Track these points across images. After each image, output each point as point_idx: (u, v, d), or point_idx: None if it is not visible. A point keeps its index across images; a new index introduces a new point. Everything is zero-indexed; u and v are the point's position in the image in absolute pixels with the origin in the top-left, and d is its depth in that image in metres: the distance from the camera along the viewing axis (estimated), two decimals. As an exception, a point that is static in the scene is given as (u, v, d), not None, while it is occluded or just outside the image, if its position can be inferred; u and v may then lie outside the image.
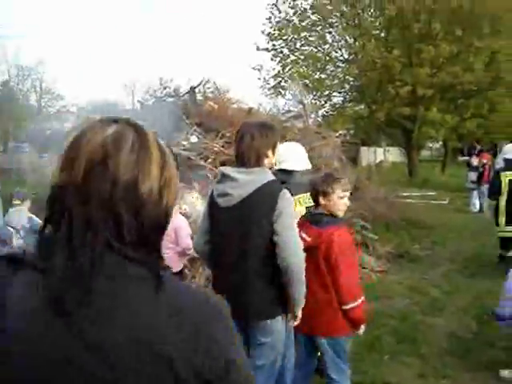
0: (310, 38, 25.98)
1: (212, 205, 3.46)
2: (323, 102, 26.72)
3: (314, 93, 25.26)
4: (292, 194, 3.55)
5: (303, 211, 4.45)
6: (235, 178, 3.30)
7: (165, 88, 13.66)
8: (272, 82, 26.62)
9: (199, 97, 12.95)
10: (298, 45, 26.13)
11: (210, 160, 10.22)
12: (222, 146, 10.53)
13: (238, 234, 3.27)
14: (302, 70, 24.18)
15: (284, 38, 25.93)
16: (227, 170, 3.44)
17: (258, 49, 25.84)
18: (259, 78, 26.39)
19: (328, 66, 26.51)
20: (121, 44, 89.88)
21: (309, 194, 4.13)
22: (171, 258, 5.63)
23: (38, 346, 1.04)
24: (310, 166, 5.09)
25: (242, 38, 77.26)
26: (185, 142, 10.56)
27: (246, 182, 3.27)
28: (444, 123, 21.54)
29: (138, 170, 1.12)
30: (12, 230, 4.87)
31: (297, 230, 3.35)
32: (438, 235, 11.96)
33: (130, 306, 1.07)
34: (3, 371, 1.05)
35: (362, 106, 24.67)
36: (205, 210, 3.62)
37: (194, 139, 10.64)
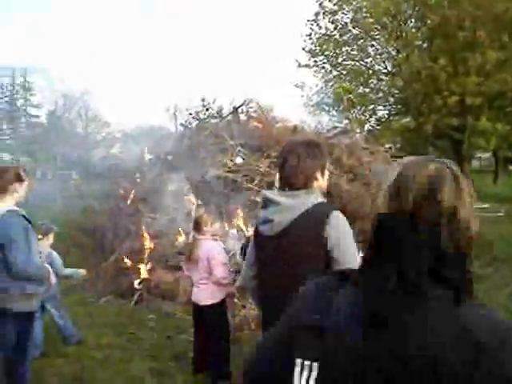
0: (352, 52, 25.62)
1: (256, 233, 2.99)
2: (368, 117, 26.30)
3: (359, 107, 24.87)
4: None
5: None
6: (278, 201, 2.81)
7: (207, 109, 13.45)
8: (315, 99, 26.32)
9: (242, 117, 12.75)
10: (339, 59, 25.77)
11: (255, 182, 9.95)
12: (268, 167, 10.25)
13: (282, 266, 2.78)
14: (345, 84, 23.75)
15: (325, 53, 25.63)
16: (270, 193, 2.95)
17: (299, 65, 25.62)
18: (302, 96, 26.12)
19: (371, 80, 26.09)
20: (162, 66, 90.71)
21: None
22: (206, 288, 5.31)
23: (351, 347, 1.25)
24: None
25: (283, 56, 77.32)
26: (230, 164, 10.33)
27: (289, 206, 2.78)
28: (494, 132, 20.80)
29: (457, 201, 1.30)
30: (50, 267, 4.62)
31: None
32: (498, 250, 11.28)
33: (426, 322, 1.20)
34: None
35: (408, 119, 24.08)
36: (251, 239, 3.16)
37: (238, 160, 10.40)
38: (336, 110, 24.66)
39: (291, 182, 2.85)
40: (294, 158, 2.84)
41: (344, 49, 25.66)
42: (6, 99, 57.92)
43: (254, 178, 9.98)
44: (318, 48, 25.53)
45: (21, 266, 4.07)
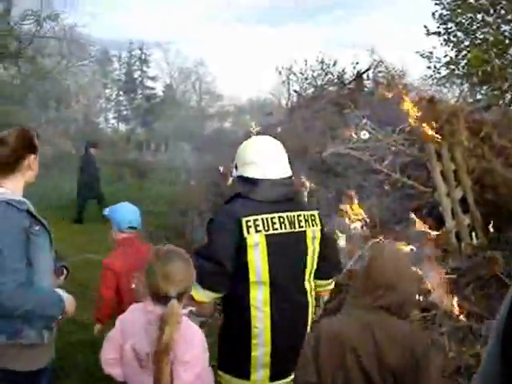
0: (488, 19, 22.52)
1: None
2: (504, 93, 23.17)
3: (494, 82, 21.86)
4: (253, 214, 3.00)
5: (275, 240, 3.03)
6: None
7: (326, 74, 11.49)
8: (443, 71, 23.45)
9: (368, 84, 10.74)
10: (474, 27, 22.76)
11: (386, 162, 7.97)
12: (402, 144, 8.24)
13: None
14: (480, 54, 20.78)
15: (458, 19, 22.71)
16: None
17: (428, 33, 22.85)
18: (429, 67, 23.33)
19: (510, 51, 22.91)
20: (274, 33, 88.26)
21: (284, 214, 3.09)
22: None
23: None
24: (287, 174, 3.25)
25: (409, 21, 72.44)
26: (354, 139, 8.40)
27: None
28: None
29: None
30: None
31: None
32: None
33: None
34: None
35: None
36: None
37: (364, 135, 8.44)
38: (470, 84, 21.79)
39: None
40: None
41: (479, 15, 22.58)
42: (124, 71, 58.68)
43: (385, 157, 8.01)
44: (449, 13, 22.64)
45: (5, 296, 2.44)
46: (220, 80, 75.27)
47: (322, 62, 11.77)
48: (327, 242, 3.37)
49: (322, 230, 3.32)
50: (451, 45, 22.81)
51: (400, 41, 66.41)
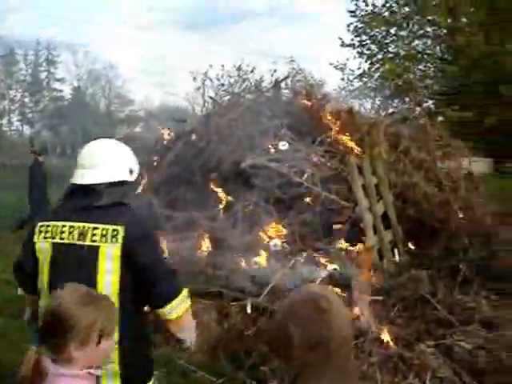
0: (401, 33, 23.01)
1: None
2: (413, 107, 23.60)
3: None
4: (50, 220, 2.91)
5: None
6: None
7: (244, 81, 11.02)
8: (356, 83, 23.71)
9: (286, 93, 10.33)
10: (387, 40, 23.20)
11: (306, 175, 7.58)
12: (322, 156, 7.88)
13: None
14: (393, 67, 21.09)
15: (371, 34, 23.07)
16: None
17: (342, 44, 23.07)
18: (342, 79, 23.52)
19: (419, 66, 23.50)
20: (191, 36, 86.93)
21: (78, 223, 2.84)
22: None
23: None
24: (103, 180, 2.94)
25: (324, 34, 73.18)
26: (272, 150, 7.95)
27: None
28: None
29: None
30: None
31: None
32: None
33: None
34: None
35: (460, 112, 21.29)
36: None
37: (283, 146, 8.00)
38: (383, 97, 22.07)
39: None
40: None
41: (393, 29, 23.05)
42: (29, 72, 56.37)
43: (305, 169, 7.61)
44: (363, 26, 22.97)
45: None
46: (131, 84, 73.47)
47: (240, 69, 11.30)
48: (145, 265, 2.83)
49: (127, 250, 2.82)
50: (365, 57, 23.16)
51: (317, 52, 67.53)
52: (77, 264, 2.80)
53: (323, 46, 70.56)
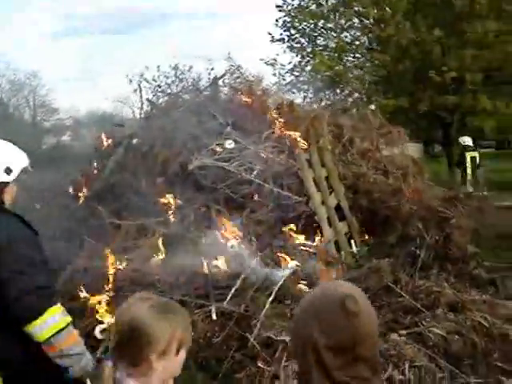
0: (329, 25, 23.15)
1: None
2: (344, 97, 23.84)
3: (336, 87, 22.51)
4: None
5: None
6: None
7: (181, 80, 10.77)
8: (288, 78, 23.67)
9: (225, 91, 10.17)
10: (316, 33, 23.27)
11: (255, 172, 7.43)
12: (271, 152, 7.75)
13: None
14: (324, 59, 21.13)
15: (299, 28, 23.09)
16: None
17: (273, 40, 23.00)
18: (274, 74, 23.43)
19: (347, 57, 23.74)
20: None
21: None
22: None
23: None
24: None
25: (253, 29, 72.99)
26: (219, 149, 7.76)
27: None
28: (494, 111, 18.75)
29: None
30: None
31: None
32: None
33: None
34: None
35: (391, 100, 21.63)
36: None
37: (229, 144, 7.84)
38: (315, 89, 22.08)
39: None
40: None
41: (321, 22, 23.13)
42: None
43: (254, 167, 7.46)
44: (291, 20, 22.94)
45: None
46: (56, 93, 71.24)
47: (176, 69, 11.05)
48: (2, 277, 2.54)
49: None
50: (295, 51, 23.14)
51: (248, 49, 67.09)
52: None
53: (254, 43, 70.47)
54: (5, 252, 2.53)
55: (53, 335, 2.54)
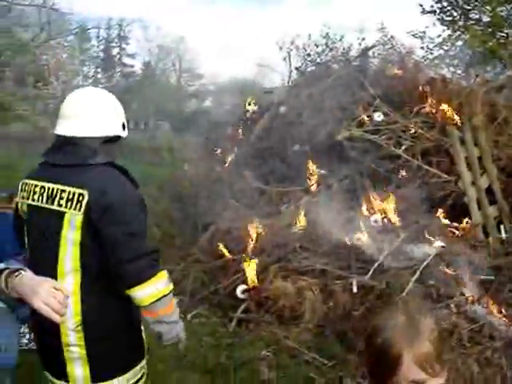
0: (485, -2, 21.79)
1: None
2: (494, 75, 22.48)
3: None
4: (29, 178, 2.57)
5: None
6: None
7: (331, 50, 10.63)
8: (436, 52, 22.66)
9: (374, 62, 9.94)
10: (469, 7, 22.00)
11: (404, 146, 7.25)
12: (421, 128, 7.51)
13: None
14: (478, 34, 19.97)
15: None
16: None
17: (423, 11, 22.07)
18: (422, 47, 22.51)
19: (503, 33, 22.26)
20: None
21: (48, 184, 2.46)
22: None
23: None
24: (98, 133, 2.49)
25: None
26: (367, 121, 7.64)
27: None
28: None
29: None
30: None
31: None
32: None
33: None
34: None
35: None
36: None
37: (378, 117, 7.68)
38: (465, 65, 21.01)
39: None
40: None
41: (475, -7, 21.84)
42: (101, 48, 57.25)
43: (402, 141, 7.28)
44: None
45: None
46: (201, 58, 73.33)
47: (327, 37, 10.92)
48: (110, 238, 2.38)
49: (92, 219, 2.38)
50: (446, 24, 22.09)
51: (394, 20, 64.97)
52: (45, 231, 2.46)
53: (401, 14, 68.00)
54: (118, 212, 2.41)
55: (155, 301, 2.47)
